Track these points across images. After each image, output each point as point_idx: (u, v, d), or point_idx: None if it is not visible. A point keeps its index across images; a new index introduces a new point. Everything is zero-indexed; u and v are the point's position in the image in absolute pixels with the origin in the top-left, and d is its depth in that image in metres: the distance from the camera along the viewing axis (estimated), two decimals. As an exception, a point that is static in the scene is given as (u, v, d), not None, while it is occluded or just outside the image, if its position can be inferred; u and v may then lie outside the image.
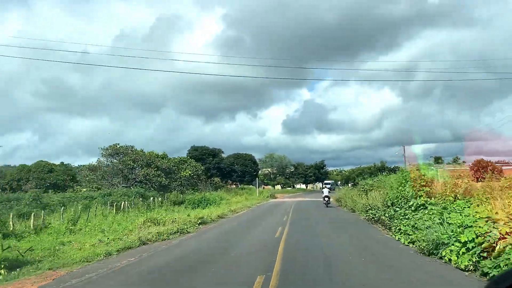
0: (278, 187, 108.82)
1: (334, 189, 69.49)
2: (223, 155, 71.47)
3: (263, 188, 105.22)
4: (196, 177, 46.15)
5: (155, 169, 39.40)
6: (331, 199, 32.50)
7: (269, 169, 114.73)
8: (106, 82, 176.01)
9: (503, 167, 36.25)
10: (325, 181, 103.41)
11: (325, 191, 32.70)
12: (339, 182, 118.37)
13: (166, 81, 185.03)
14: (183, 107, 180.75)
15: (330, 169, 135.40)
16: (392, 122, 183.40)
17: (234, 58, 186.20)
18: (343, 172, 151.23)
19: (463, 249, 8.73)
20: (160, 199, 32.71)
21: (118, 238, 14.51)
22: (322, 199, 32.42)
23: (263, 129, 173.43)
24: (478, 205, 10.77)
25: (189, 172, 44.18)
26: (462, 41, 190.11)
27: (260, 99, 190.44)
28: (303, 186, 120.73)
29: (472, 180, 18.46)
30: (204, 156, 63.59)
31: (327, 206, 30.70)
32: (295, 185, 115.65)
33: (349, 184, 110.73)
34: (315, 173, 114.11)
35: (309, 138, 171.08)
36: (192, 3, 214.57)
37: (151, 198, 31.63)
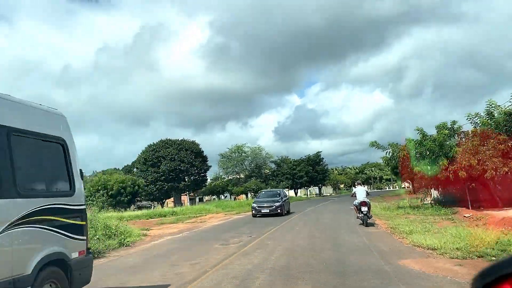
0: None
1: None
2: None
3: (236, 199, 65.94)
4: None
5: None
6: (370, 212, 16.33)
7: (236, 170, 74.52)
8: (91, 96, 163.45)
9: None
10: (357, 182, 70.73)
11: (360, 193, 16.36)
12: None
13: (152, 92, 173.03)
14: (171, 118, 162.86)
15: (329, 167, 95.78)
16: (384, 124, 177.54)
17: (221, 66, 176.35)
18: (347, 170, 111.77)
19: None
20: None
21: None
22: (356, 212, 16.63)
23: (254, 138, 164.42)
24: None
25: None
26: (450, 38, 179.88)
27: (250, 107, 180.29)
28: (291, 192, 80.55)
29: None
30: None
31: (366, 225, 15.45)
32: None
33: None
34: (308, 171, 73.92)
35: (302, 144, 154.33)
36: (177, 11, 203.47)
37: None
